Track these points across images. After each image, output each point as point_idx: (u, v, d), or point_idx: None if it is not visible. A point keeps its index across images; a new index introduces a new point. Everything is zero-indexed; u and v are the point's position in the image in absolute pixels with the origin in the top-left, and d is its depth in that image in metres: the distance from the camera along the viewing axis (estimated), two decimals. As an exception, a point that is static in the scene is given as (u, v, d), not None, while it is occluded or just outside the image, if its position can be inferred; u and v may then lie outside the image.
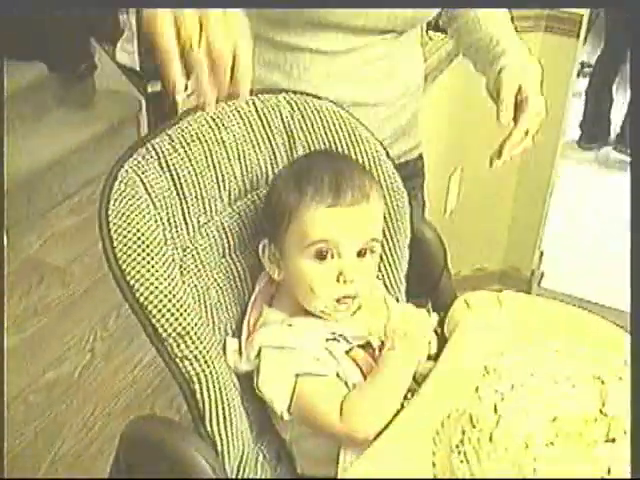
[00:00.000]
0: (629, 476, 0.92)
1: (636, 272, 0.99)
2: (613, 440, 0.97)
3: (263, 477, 1.10)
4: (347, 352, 1.12)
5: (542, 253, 3.04)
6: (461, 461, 0.97)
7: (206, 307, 1.11)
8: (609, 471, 0.93)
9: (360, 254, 1.12)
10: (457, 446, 0.99)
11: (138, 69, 3.39)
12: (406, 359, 1.10)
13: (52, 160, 3.23)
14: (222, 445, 1.02)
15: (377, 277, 1.25)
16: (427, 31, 2.07)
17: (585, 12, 2.45)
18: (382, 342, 1.14)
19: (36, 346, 2.49)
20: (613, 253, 3.09)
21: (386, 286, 1.28)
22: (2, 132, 2.65)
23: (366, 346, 1.13)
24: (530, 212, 2.83)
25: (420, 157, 1.62)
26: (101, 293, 2.68)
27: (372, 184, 1.15)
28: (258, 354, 1.10)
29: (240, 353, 1.11)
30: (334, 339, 1.11)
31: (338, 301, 1.11)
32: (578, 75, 3.18)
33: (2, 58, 2.73)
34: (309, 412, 1.07)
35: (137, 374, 2.41)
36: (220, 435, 1.02)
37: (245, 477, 1.06)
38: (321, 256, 1.10)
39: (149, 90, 3.29)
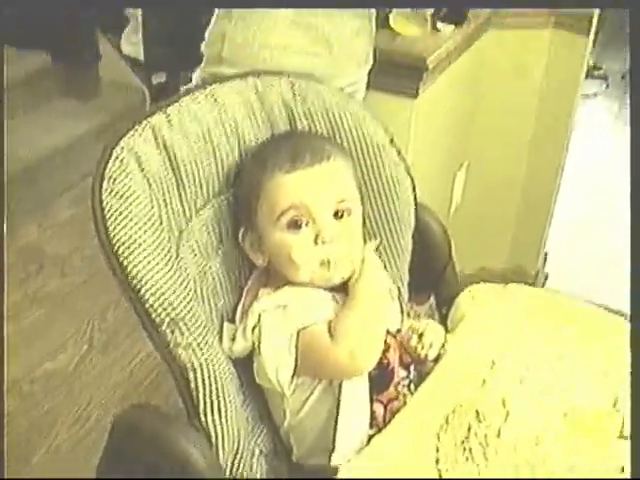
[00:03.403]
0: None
1: (636, 273, 0.95)
2: (626, 437, 0.93)
3: (258, 471, 1.06)
4: None
5: (547, 254, 3.01)
6: (467, 458, 0.94)
7: (202, 293, 1.07)
8: (623, 469, 0.89)
9: (337, 215, 1.09)
10: (462, 442, 0.96)
11: (142, 60, 3.36)
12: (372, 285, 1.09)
13: (54, 150, 3.19)
14: (216, 438, 0.98)
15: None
16: (435, 23, 2.02)
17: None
18: None
19: (33, 336, 2.45)
20: (620, 256, 3.05)
21: (388, 277, 1.23)
22: (2, 120, 2.62)
23: None
24: (536, 212, 2.79)
25: None
26: (100, 285, 2.62)
27: (333, 147, 1.13)
28: (257, 323, 1.06)
29: (234, 339, 1.07)
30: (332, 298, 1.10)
31: (322, 265, 1.07)
32: (587, 77, 3.12)
33: (2, 46, 2.70)
34: (314, 359, 1.04)
35: (134, 367, 2.36)
36: (215, 427, 0.98)
37: (240, 471, 1.02)
38: (295, 226, 1.07)
39: (153, 82, 3.26)
